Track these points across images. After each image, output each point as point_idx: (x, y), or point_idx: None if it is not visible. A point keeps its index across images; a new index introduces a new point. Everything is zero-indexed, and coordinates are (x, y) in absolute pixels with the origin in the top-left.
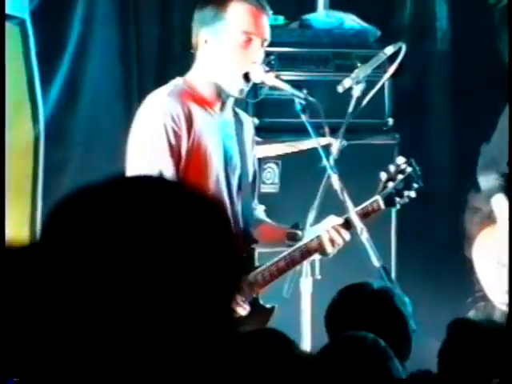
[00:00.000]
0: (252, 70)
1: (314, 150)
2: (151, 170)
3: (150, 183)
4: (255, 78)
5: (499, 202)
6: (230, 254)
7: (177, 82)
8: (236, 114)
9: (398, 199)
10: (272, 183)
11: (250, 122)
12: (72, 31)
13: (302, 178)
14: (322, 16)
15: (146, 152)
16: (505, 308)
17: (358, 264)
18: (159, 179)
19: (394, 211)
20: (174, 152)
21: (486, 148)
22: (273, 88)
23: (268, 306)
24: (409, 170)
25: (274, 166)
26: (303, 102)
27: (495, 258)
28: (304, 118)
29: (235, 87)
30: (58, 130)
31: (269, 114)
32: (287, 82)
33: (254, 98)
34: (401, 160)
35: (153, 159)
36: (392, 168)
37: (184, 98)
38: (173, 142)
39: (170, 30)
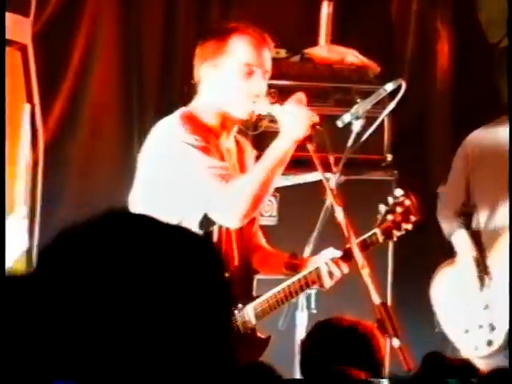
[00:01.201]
0: (257, 101)
1: (312, 183)
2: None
3: (142, 221)
4: (261, 110)
5: (460, 239)
6: (218, 291)
7: (182, 111)
8: (237, 142)
9: (395, 232)
10: (270, 215)
11: (250, 150)
12: (74, 56)
13: (300, 211)
14: (324, 50)
15: (191, 173)
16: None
17: (354, 298)
18: (148, 217)
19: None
20: (211, 152)
21: (442, 189)
22: (274, 120)
23: (263, 336)
24: (407, 202)
25: (272, 198)
26: (309, 131)
27: (455, 295)
28: (310, 147)
29: (243, 110)
30: (57, 157)
31: (268, 147)
32: None
33: (253, 130)
34: (399, 192)
35: (201, 173)
36: (390, 200)
37: (193, 124)
38: (202, 145)
39: (171, 59)
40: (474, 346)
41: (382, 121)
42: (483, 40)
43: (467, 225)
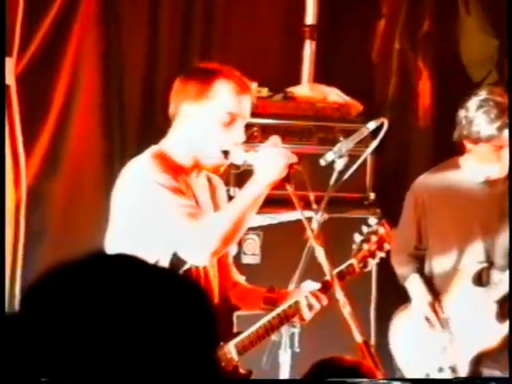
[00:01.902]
0: (233, 149)
1: (294, 222)
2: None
3: (125, 261)
4: (236, 159)
5: (413, 284)
6: (205, 327)
7: (153, 149)
8: (209, 180)
9: (371, 260)
10: (253, 254)
11: (223, 188)
12: (56, 96)
13: (283, 249)
14: (306, 89)
15: (159, 214)
16: None
17: (337, 336)
18: (130, 257)
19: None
20: (183, 192)
21: (394, 233)
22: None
23: (245, 372)
24: (381, 230)
25: (255, 237)
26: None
27: (412, 339)
28: (289, 188)
29: (213, 163)
30: (40, 195)
31: None
32: None
33: (236, 168)
34: (373, 221)
35: (168, 216)
36: (365, 229)
37: (164, 163)
38: (173, 185)
39: (152, 98)
40: None
41: (365, 159)
42: (465, 79)
43: (420, 269)
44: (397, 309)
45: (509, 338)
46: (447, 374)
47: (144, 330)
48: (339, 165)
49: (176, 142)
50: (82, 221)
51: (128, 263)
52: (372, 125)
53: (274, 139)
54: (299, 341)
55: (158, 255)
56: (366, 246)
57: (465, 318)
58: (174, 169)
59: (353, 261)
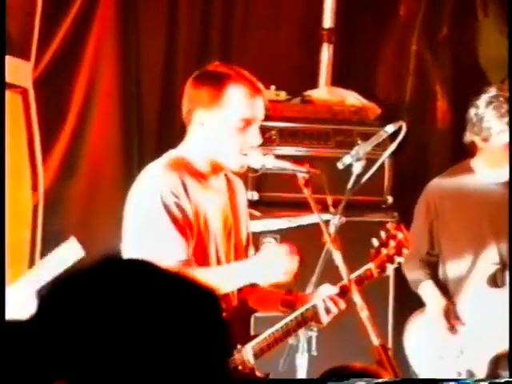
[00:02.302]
0: (251, 153)
1: (312, 225)
2: (161, 249)
3: (139, 266)
4: (255, 163)
5: (427, 289)
6: (217, 334)
7: (170, 155)
8: (228, 181)
9: (389, 265)
10: None
11: (242, 187)
12: (74, 101)
13: (300, 253)
14: (324, 92)
15: (152, 230)
16: None
17: (354, 340)
18: (144, 262)
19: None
20: (180, 224)
21: None
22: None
23: (262, 375)
24: (400, 235)
25: (272, 240)
26: (306, 176)
27: (428, 344)
28: (307, 192)
29: (236, 163)
30: (57, 198)
31: (268, 189)
32: (287, 157)
33: (253, 172)
34: (391, 226)
35: (160, 238)
36: (383, 234)
37: (179, 170)
38: (178, 215)
39: (170, 101)
40: None
41: (383, 163)
42: (482, 81)
43: (433, 274)
44: (414, 311)
45: (509, 338)
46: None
47: (153, 335)
48: (357, 168)
49: (192, 148)
50: (99, 224)
51: (139, 268)
52: (390, 128)
53: (292, 249)
54: (316, 344)
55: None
56: (384, 251)
57: (481, 321)
58: (192, 174)
59: (371, 265)
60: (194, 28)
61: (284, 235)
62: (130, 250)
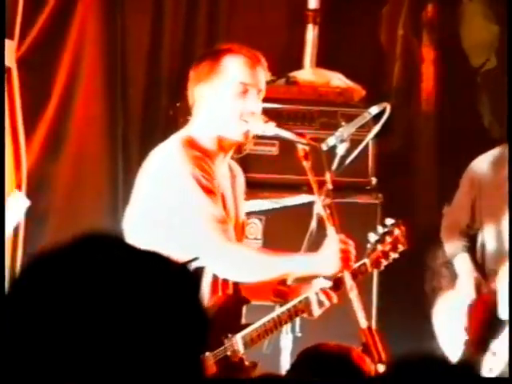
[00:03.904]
0: (251, 119)
1: (297, 207)
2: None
3: (117, 245)
4: (256, 128)
5: (462, 262)
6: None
7: (181, 136)
8: (230, 167)
9: (383, 261)
10: (255, 238)
11: (242, 176)
12: (58, 80)
13: (285, 234)
14: (309, 73)
15: (187, 206)
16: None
17: (339, 322)
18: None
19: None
20: (213, 193)
21: (447, 210)
22: (259, 144)
23: (251, 364)
24: (396, 232)
25: (257, 221)
26: (306, 148)
27: (456, 319)
28: (306, 165)
29: (238, 131)
30: (41, 179)
31: (253, 170)
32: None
33: (237, 153)
34: (389, 221)
35: (195, 204)
36: (380, 229)
37: (194, 150)
38: (208, 186)
39: (156, 81)
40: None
41: (367, 144)
42: (467, 64)
43: (470, 247)
44: (398, 296)
45: (509, 338)
46: (487, 358)
47: (129, 311)
48: (341, 150)
49: (199, 125)
50: (84, 205)
51: (117, 245)
52: (374, 110)
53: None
54: (301, 326)
55: (175, 249)
56: (380, 247)
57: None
58: (203, 154)
59: (366, 260)
60: (180, 9)
61: (268, 216)
62: (140, 228)
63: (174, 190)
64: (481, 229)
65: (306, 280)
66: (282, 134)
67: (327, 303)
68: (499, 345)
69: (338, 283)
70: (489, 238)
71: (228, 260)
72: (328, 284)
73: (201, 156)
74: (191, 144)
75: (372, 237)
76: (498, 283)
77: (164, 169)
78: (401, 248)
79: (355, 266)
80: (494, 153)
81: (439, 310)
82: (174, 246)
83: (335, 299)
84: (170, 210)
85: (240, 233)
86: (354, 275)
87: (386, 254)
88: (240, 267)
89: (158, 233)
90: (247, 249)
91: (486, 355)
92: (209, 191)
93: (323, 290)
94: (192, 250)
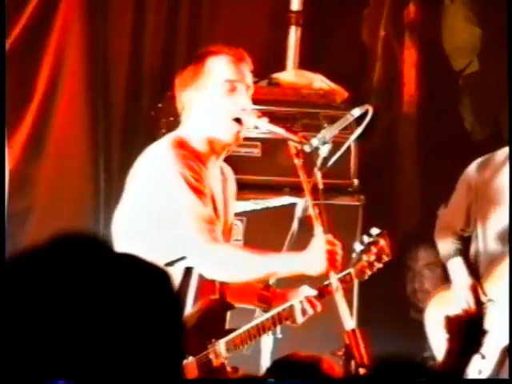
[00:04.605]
0: (243, 116)
1: (278, 208)
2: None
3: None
4: (248, 123)
5: (456, 266)
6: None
7: (172, 137)
8: (221, 170)
9: (368, 271)
10: (236, 239)
11: (233, 179)
12: (40, 80)
13: (266, 236)
14: (291, 75)
15: (173, 201)
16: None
17: (319, 324)
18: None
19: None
20: (201, 193)
21: (443, 212)
22: (242, 145)
23: (230, 369)
24: (382, 242)
25: (238, 222)
26: (298, 146)
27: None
28: (298, 162)
29: (229, 132)
30: (23, 177)
31: (235, 171)
32: (254, 139)
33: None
34: (375, 231)
35: (182, 202)
36: (366, 239)
37: (185, 151)
38: (196, 185)
39: (138, 82)
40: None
41: (349, 146)
42: (449, 67)
43: (464, 251)
44: (379, 298)
45: (509, 338)
46: (477, 360)
47: (106, 311)
48: (323, 151)
49: (190, 128)
50: (65, 204)
51: (93, 245)
52: (357, 112)
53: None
54: (282, 327)
55: (165, 250)
56: (365, 257)
57: (505, 304)
58: (194, 156)
59: (351, 270)
60: (162, 8)
61: (249, 217)
62: (129, 229)
63: (162, 188)
64: (475, 232)
65: (291, 282)
66: (274, 130)
67: (311, 311)
68: (488, 348)
69: (322, 292)
70: (484, 242)
71: (214, 259)
72: (313, 293)
73: (190, 156)
74: (182, 145)
75: (358, 246)
76: (488, 287)
77: (153, 168)
78: (385, 259)
79: (339, 275)
80: (491, 157)
81: (431, 314)
82: (163, 246)
83: (319, 308)
84: (158, 208)
85: (227, 234)
86: (340, 283)
87: (370, 264)
88: (226, 266)
89: (147, 232)
90: (233, 248)
91: (473, 358)
92: (197, 191)
93: (307, 299)
94: (178, 248)
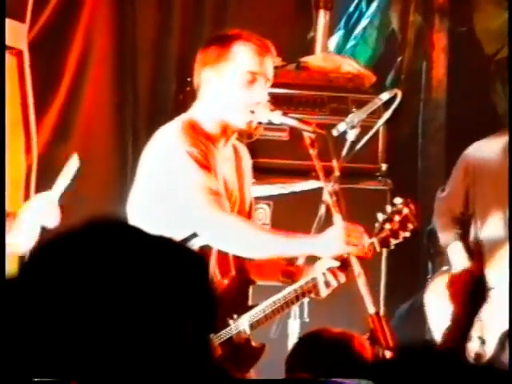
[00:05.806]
0: (257, 109)
1: (305, 192)
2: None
3: (124, 229)
4: (262, 117)
5: (455, 251)
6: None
7: (182, 119)
8: (235, 149)
9: (393, 240)
10: (263, 224)
11: (247, 157)
12: (68, 65)
13: (293, 219)
14: (319, 59)
15: (184, 187)
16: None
17: (346, 308)
18: (130, 226)
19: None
20: (209, 169)
21: (442, 196)
22: (269, 129)
23: (257, 345)
24: (405, 210)
25: (265, 206)
26: (312, 136)
27: (448, 305)
28: (313, 152)
29: (242, 121)
30: (50, 162)
31: (262, 155)
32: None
33: (248, 138)
34: (398, 200)
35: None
36: (389, 209)
37: (194, 132)
38: (201, 160)
39: (165, 68)
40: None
41: (377, 130)
42: (479, 52)
43: (463, 235)
44: (408, 281)
45: (509, 338)
46: (476, 345)
47: (140, 297)
48: (351, 135)
49: (203, 110)
50: (93, 190)
51: (126, 231)
52: (385, 96)
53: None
54: (309, 311)
55: (176, 227)
56: (388, 226)
57: (504, 289)
58: (204, 138)
59: (374, 240)
60: None
61: (276, 202)
62: (142, 210)
63: (168, 164)
64: (474, 216)
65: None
66: (288, 122)
67: (334, 283)
68: (488, 332)
69: (345, 263)
70: (483, 226)
71: (221, 229)
72: (335, 264)
73: (200, 138)
74: (192, 127)
75: (380, 216)
76: (488, 272)
77: (161, 146)
78: (411, 226)
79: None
80: (488, 140)
81: (431, 297)
82: (174, 222)
83: (343, 279)
84: (166, 184)
85: (246, 216)
86: (362, 256)
87: (395, 233)
88: (234, 238)
89: (158, 210)
90: (241, 219)
91: (472, 342)
92: (203, 166)
93: (330, 270)
94: (187, 221)
